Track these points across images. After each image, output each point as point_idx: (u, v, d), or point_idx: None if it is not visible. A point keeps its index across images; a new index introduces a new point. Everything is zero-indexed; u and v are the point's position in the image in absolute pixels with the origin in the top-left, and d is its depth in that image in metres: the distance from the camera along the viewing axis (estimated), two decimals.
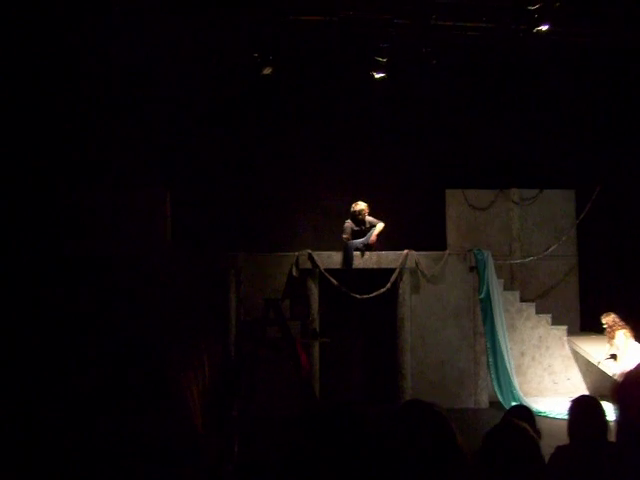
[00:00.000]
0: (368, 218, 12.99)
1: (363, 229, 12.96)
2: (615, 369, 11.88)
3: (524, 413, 5.53)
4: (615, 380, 11.36)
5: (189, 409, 3.10)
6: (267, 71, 13.00)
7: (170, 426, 3.02)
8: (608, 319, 12.22)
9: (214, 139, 13.75)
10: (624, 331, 11.99)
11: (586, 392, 13.29)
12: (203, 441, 3.16)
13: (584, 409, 4.68)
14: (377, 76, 13.13)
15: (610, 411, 4.34)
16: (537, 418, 11.30)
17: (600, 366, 12.37)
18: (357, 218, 12.93)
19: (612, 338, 12.15)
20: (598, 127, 14.02)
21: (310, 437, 3.15)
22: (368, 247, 12.87)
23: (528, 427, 3.41)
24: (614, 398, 3.85)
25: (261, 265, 12.93)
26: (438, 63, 12.92)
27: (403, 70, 13.38)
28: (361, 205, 12.94)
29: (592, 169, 14.05)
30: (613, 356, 12.10)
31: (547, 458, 4.47)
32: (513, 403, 12.14)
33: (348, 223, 12.93)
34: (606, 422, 4.57)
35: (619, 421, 3.02)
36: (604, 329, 12.32)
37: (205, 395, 3.40)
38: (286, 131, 14.17)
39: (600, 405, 4.71)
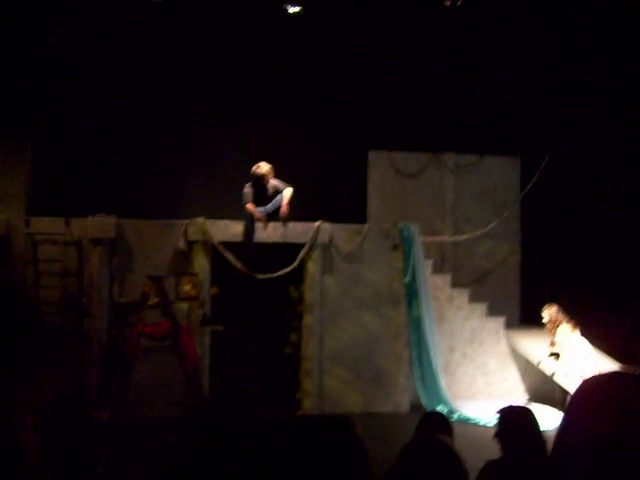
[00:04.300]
0: (272, 182, 12.84)
1: (267, 196, 12.83)
2: (558, 370, 12.10)
3: (439, 423, 5.50)
4: (556, 382, 11.63)
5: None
6: None
7: None
8: (550, 312, 12.40)
9: (85, 76, 13.35)
10: (568, 325, 12.19)
11: (525, 395, 13.56)
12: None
13: (514, 420, 4.78)
14: (291, 10, 12.99)
15: (547, 419, 4.35)
16: (466, 426, 11.44)
17: (541, 367, 12.57)
18: (260, 183, 12.77)
19: (554, 334, 12.35)
20: (550, 85, 14.14)
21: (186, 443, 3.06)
22: (273, 216, 12.76)
23: (450, 441, 3.39)
24: (566, 405, 3.87)
25: (141, 234, 12.60)
26: None
27: (322, 3, 13.25)
28: (264, 168, 12.76)
29: (541, 134, 14.20)
30: (555, 355, 12.30)
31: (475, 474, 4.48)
32: (439, 407, 12.24)
33: (248, 188, 12.76)
34: (539, 434, 4.66)
35: (563, 430, 2.99)
36: (544, 324, 12.54)
37: (44, 428, 3.26)
38: (176, 75, 13.84)
39: (532, 415, 4.82)
